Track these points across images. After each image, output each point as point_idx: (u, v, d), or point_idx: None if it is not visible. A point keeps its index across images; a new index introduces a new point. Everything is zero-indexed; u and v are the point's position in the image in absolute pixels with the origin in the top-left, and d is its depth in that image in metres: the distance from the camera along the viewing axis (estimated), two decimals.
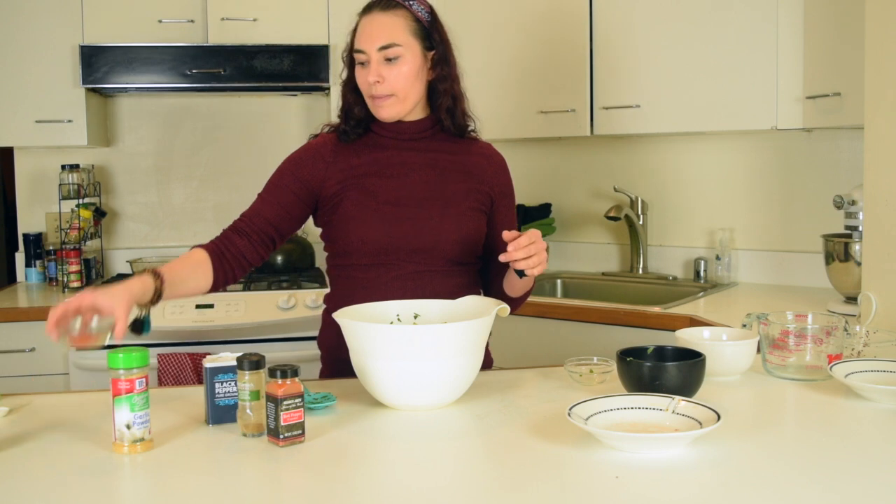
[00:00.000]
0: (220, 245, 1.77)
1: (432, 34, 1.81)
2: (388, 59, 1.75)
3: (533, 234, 1.61)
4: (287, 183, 1.83)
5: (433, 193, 1.82)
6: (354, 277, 1.83)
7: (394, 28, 1.76)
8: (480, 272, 1.96)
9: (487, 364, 1.96)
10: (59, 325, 1.45)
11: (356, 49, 1.78)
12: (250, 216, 1.83)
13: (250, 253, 1.79)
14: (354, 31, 1.82)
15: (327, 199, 1.82)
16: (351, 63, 1.84)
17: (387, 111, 1.80)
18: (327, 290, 1.92)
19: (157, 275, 1.59)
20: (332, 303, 1.87)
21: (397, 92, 1.78)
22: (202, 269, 1.73)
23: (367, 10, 1.80)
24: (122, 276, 3.41)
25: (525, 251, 1.59)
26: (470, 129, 1.90)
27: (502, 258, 1.61)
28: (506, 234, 1.61)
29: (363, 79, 1.78)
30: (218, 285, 1.76)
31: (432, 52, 1.81)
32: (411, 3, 1.79)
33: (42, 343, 2.89)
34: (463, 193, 1.84)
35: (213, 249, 1.76)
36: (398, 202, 1.80)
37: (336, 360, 1.84)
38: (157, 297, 1.59)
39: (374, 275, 1.81)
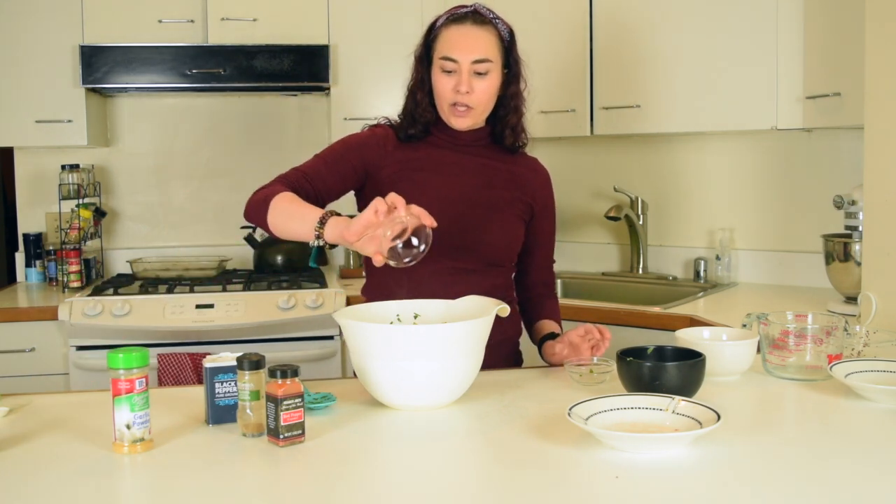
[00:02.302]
0: (303, 192, 1.78)
1: (510, 53, 1.87)
2: (479, 73, 1.80)
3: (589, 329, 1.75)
4: (351, 157, 1.87)
5: (479, 196, 1.87)
6: (391, 269, 1.84)
7: (488, 43, 1.82)
8: (515, 285, 2.03)
9: (518, 363, 1.99)
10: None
11: (447, 57, 1.81)
12: (309, 175, 1.83)
13: None
14: (435, 36, 1.84)
15: (377, 186, 1.85)
16: (426, 66, 1.86)
17: (464, 121, 1.85)
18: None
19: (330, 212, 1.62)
20: (370, 294, 1.90)
21: (479, 105, 1.84)
22: None
23: (458, 19, 1.83)
24: (122, 277, 3.41)
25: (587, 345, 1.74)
26: (523, 145, 1.96)
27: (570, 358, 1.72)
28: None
29: (447, 86, 1.82)
30: None
31: (507, 70, 1.87)
32: (497, 21, 1.86)
33: (42, 343, 2.90)
34: (507, 201, 1.90)
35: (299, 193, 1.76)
36: (445, 199, 1.84)
37: None
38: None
39: (412, 268, 1.82)
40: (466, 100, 1.81)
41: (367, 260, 1.89)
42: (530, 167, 1.99)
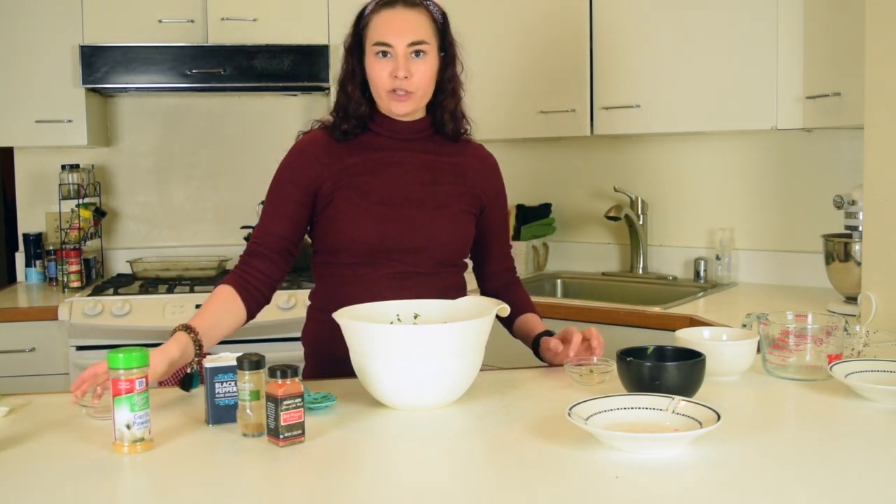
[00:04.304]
0: (242, 274, 1.76)
1: (445, 36, 1.81)
2: (416, 55, 1.74)
3: (591, 334, 1.74)
4: (289, 193, 1.80)
5: (425, 195, 1.82)
6: (342, 275, 1.82)
7: (421, 25, 1.75)
8: (477, 277, 2.00)
9: None
10: (81, 389, 1.46)
11: (381, 42, 1.74)
12: (262, 236, 1.80)
13: (273, 272, 1.78)
14: (366, 23, 1.78)
15: (321, 198, 1.81)
16: (357, 56, 1.80)
17: (405, 106, 1.77)
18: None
19: (189, 329, 1.61)
20: (318, 299, 1.87)
21: (419, 89, 1.76)
22: (232, 306, 1.72)
23: (387, 4, 1.76)
24: (122, 277, 3.41)
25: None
26: (465, 131, 1.90)
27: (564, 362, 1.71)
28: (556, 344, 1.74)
29: (384, 72, 1.74)
30: (252, 314, 1.76)
31: (443, 54, 1.81)
32: (429, 3, 1.79)
33: (42, 343, 2.90)
34: (455, 196, 1.84)
35: (236, 282, 1.74)
36: (390, 202, 1.79)
37: (319, 355, 1.86)
38: (199, 348, 1.60)
39: (361, 272, 1.80)
40: (405, 85, 1.74)
41: (317, 264, 1.88)
42: (477, 156, 1.91)
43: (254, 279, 1.75)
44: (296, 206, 1.80)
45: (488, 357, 1.63)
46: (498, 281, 1.98)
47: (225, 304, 1.72)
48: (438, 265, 1.83)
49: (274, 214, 1.80)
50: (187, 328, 1.61)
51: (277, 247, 1.78)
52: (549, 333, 1.83)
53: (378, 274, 1.79)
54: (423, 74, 1.75)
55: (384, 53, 1.74)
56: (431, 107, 1.85)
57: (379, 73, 1.76)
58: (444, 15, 1.82)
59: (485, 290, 1.99)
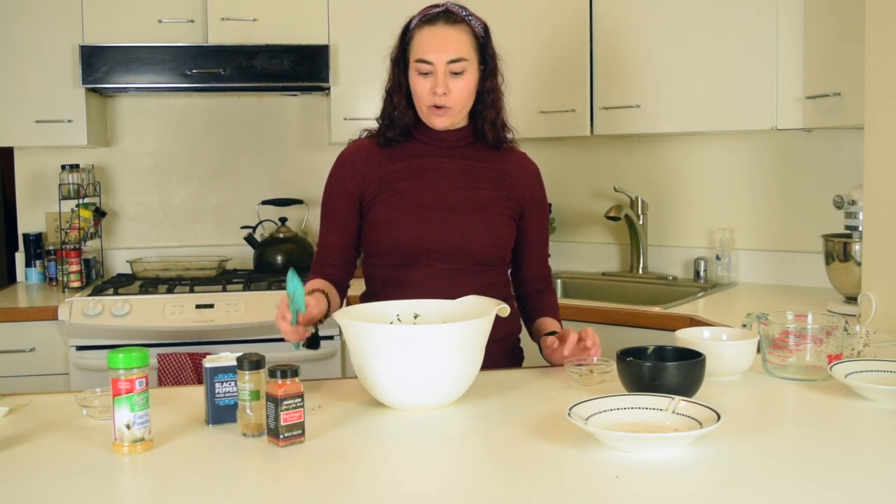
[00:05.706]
0: (326, 275, 1.92)
1: (486, 49, 1.87)
2: (455, 73, 1.81)
3: (586, 334, 1.75)
4: (337, 205, 1.92)
5: (464, 198, 1.87)
6: (385, 276, 1.90)
7: (461, 42, 1.82)
8: (512, 281, 2.03)
9: (518, 362, 2.00)
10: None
11: (422, 59, 1.81)
12: (325, 249, 1.94)
13: (342, 276, 1.95)
14: (410, 38, 1.85)
15: (365, 204, 1.89)
16: (402, 69, 1.87)
17: (443, 121, 1.85)
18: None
19: (324, 293, 1.76)
20: (367, 300, 1.92)
21: (457, 104, 1.84)
22: (336, 293, 1.91)
23: (430, 20, 1.83)
24: (122, 277, 3.41)
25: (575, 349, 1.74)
26: (508, 139, 1.95)
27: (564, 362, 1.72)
28: (554, 341, 1.78)
29: (425, 88, 1.82)
30: (341, 302, 1.94)
31: (483, 66, 1.87)
32: (470, 18, 1.85)
33: (42, 343, 2.90)
34: (493, 200, 1.89)
35: (327, 278, 1.91)
36: (428, 205, 1.85)
37: None
38: (326, 315, 1.76)
39: (404, 273, 1.87)
40: (444, 101, 1.82)
41: (365, 268, 1.96)
42: (518, 163, 1.97)
43: (336, 281, 1.92)
44: (345, 216, 1.91)
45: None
46: (530, 287, 2.02)
47: (333, 290, 1.89)
48: (478, 265, 1.88)
49: (328, 227, 1.94)
50: (324, 293, 1.76)
51: (340, 256, 1.93)
52: (553, 335, 1.85)
53: (419, 274, 1.86)
54: (461, 91, 1.83)
55: (425, 71, 1.81)
56: (473, 116, 1.91)
57: (421, 89, 1.83)
58: (485, 28, 1.88)
59: (517, 295, 2.03)
